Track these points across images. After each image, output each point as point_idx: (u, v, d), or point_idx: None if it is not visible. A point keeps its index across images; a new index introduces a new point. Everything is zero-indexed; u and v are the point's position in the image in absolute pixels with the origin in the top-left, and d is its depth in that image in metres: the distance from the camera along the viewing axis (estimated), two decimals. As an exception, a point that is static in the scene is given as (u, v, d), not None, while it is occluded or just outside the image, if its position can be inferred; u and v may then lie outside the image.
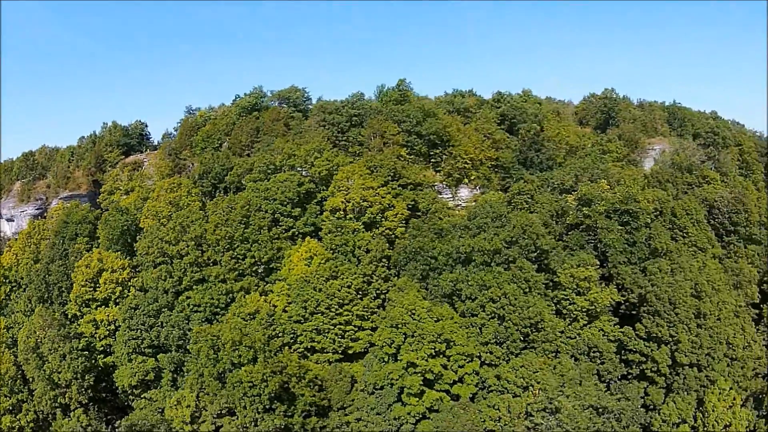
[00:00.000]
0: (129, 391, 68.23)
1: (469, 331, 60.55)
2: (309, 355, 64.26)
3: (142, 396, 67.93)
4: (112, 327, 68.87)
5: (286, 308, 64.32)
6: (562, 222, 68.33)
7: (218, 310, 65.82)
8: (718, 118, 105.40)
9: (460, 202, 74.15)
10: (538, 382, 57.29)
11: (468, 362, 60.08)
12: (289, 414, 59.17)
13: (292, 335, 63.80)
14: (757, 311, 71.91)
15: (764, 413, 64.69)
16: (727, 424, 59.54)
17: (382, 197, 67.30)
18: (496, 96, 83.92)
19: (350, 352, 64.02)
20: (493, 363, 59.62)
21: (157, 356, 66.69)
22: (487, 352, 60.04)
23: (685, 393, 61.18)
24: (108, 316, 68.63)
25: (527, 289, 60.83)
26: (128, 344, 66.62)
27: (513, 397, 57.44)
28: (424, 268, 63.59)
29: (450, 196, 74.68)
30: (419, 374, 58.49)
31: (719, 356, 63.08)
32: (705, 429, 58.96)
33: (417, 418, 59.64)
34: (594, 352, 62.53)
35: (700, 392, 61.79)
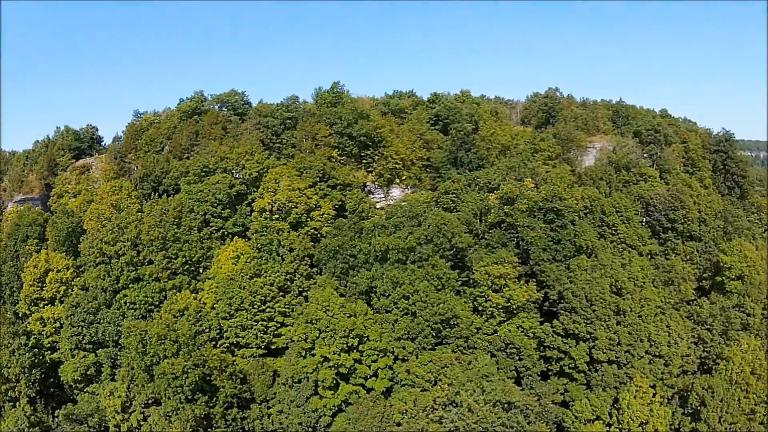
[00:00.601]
0: (73, 386, 75.90)
1: (383, 327, 65.91)
2: (236, 350, 70.69)
3: (85, 390, 75.54)
4: (58, 324, 76.69)
5: (214, 305, 70.88)
6: (484, 221, 73.01)
7: (152, 307, 72.80)
8: (667, 116, 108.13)
9: (391, 202, 79.44)
10: (447, 377, 62.24)
11: (381, 357, 65.38)
12: (211, 405, 65.58)
13: (218, 331, 70.33)
14: (697, 308, 74.81)
15: (689, 411, 67.68)
16: (644, 421, 62.86)
17: (309, 198, 73.25)
18: (432, 97, 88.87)
19: (273, 347, 70.16)
20: (405, 358, 64.78)
21: (97, 351, 74.15)
22: (400, 348, 65.25)
23: (601, 390, 64.93)
24: (53, 314, 76.49)
25: (440, 287, 65.76)
26: (71, 340, 74.25)
27: (421, 391, 62.45)
28: (344, 266, 69.16)
29: (382, 196, 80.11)
30: (333, 368, 64.19)
31: (639, 353, 66.61)
32: (620, 426, 62.48)
33: (333, 410, 65.31)
34: (511, 348, 67.01)
35: (620, 389, 65.45)
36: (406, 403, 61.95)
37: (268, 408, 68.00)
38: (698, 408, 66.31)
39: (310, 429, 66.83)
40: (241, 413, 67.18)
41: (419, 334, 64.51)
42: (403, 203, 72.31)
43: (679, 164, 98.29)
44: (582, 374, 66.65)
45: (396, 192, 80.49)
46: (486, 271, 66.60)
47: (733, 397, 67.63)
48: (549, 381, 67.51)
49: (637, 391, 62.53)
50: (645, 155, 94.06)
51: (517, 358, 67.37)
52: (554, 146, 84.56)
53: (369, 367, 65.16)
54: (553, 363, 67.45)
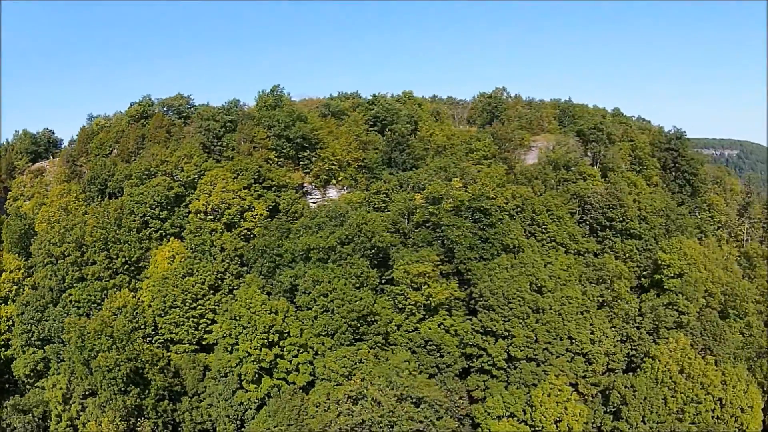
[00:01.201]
0: (25, 380, 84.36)
1: (304, 323, 72.12)
2: (170, 345, 77.89)
3: (35, 385, 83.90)
4: (11, 323, 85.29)
5: (151, 303, 78.20)
6: (411, 220, 78.50)
7: (95, 305, 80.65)
8: (619, 114, 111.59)
9: (328, 202, 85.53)
10: (361, 372, 68.02)
11: (302, 352, 71.74)
12: (143, 396, 72.93)
13: (153, 327, 77.63)
14: (626, 306, 78.63)
15: (611, 409, 71.73)
16: (557, 419, 67.22)
17: (243, 199, 79.97)
18: (372, 98, 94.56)
19: (204, 343, 77.09)
20: (323, 353, 70.86)
21: (45, 348, 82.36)
22: (319, 344, 71.41)
23: (515, 387, 69.62)
24: (6, 312, 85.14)
25: (358, 285, 71.60)
26: (22, 337, 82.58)
27: (336, 385, 68.38)
28: (270, 265, 75.65)
29: (319, 196, 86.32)
30: (254, 363, 70.76)
31: (559, 351, 71.10)
32: (533, 423, 66.97)
33: (258, 403, 72.04)
34: (431, 345, 72.37)
35: (536, 387, 70.00)
36: (320, 396, 68.09)
37: (199, 401, 74.97)
38: (620, 407, 70.44)
39: (237, 422, 73.76)
40: (172, 405, 74.25)
41: (337, 330, 70.43)
42: (326, 203, 78.45)
43: (626, 162, 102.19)
44: (502, 371, 71.58)
45: (333, 192, 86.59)
46: (405, 270, 72.02)
47: (658, 396, 71.46)
48: (469, 378, 72.74)
49: (551, 389, 66.93)
50: (589, 154, 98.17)
51: (438, 355, 72.76)
52: (490, 146, 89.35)
53: (290, 362, 71.65)
54: (475, 360, 72.56)
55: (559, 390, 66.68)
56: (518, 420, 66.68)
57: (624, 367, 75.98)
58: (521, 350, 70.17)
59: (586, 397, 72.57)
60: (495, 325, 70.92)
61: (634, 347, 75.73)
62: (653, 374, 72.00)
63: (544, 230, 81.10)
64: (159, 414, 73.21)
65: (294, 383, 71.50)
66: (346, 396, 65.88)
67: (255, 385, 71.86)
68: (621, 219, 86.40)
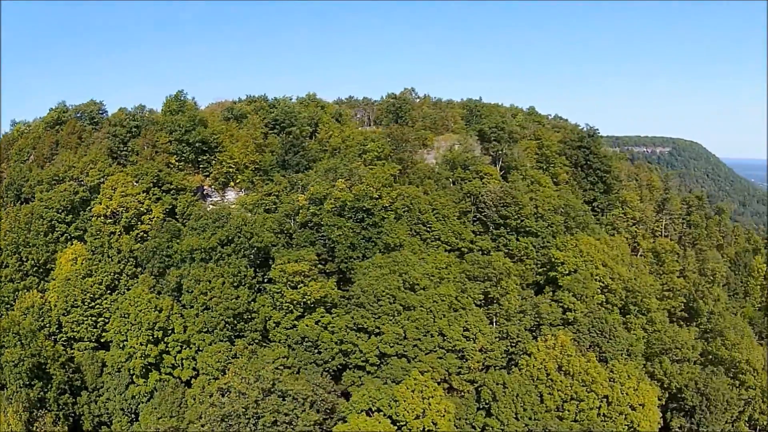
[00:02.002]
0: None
1: (188, 320, 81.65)
2: (73, 343, 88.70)
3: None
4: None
5: (56, 303, 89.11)
6: (295, 221, 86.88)
7: (7, 305, 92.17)
8: (534, 113, 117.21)
9: (229, 204, 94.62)
10: (234, 366, 77.12)
11: (185, 348, 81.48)
12: (45, 390, 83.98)
13: (58, 326, 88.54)
14: (507, 303, 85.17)
15: (484, 405, 78.69)
16: (420, 414, 74.43)
17: (140, 203, 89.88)
18: (273, 101, 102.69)
19: (103, 340, 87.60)
20: (204, 349, 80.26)
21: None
22: (200, 340, 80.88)
23: (383, 383, 77.39)
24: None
25: (236, 284, 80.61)
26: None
27: (213, 379, 77.73)
28: (161, 266, 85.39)
29: (219, 198, 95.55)
30: (141, 358, 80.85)
31: (428, 347, 78.52)
32: (396, 418, 74.43)
33: (147, 396, 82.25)
34: (307, 341, 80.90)
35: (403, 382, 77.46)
36: (196, 389, 77.63)
37: (98, 396, 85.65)
38: (491, 403, 77.43)
39: (132, 414, 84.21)
40: (72, 399, 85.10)
41: (216, 327, 79.79)
42: (211, 206, 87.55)
43: (532, 161, 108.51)
44: (375, 367, 79.56)
45: (231, 195, 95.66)
46: (282, 269, 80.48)
47: (532, 393, 77.84)
48: (345, 373, 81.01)
49: (416, 384, 74.37)
50: (493, 153, 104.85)
51: (316, 351, 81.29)
52: (383, 146, 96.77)
53: (174, 357, 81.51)
54: (351, 356, 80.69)
55: (424, 385, 74.01)
56: (384, 414, 74.39)
57: (504, 364, 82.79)
58: (391, 347, 77.94)
59: (463, 393, 79.89)
60: (366, 322, 78.90)
61: (513, 344, 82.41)
62: (528, 371, 78.61)
63: (428, 229, 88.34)
64: (60, 407, 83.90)
65: (179, 377, 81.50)
66: (218, 389, 75.22)
67: (144, 380, 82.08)
68: (516, 217, 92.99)
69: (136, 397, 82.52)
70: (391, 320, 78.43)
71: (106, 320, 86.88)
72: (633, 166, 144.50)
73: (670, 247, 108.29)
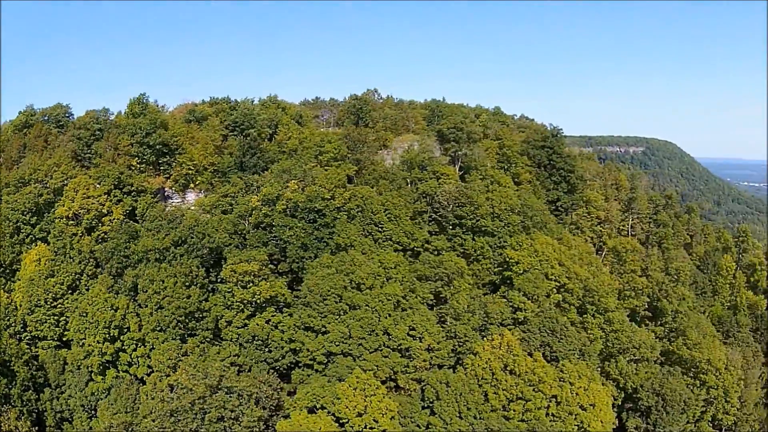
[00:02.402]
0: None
1: (143, 319, 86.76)
2: (37, 341, 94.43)
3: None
4: None
5: (21, 303, 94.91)
6: (249, 221, 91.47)
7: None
8: (500, 113, 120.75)
9: (189, 206, 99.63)
10: (185, 363, 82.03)
11: (140, 346, 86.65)
12: (10, 387, 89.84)
13: (23, 325, 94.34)
14: (455, 303, 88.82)
15: (428, 404, 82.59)
16: (361, 412, 78.30)
17: (102, 204, 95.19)
18: (233, 103, 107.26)
19: (65, 338, 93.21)
20: (156, 347, 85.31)
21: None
22: (154, 338, 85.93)
23: (327, 380, 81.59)
24: None
25: (188, 283, 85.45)
26: None
27: (165, 376, 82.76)
28: (119, 266, 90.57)
29: (179, 200, 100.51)
30: (99, 356, 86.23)
31: (373, 346, 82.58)
32: (338, 415, 78.51)
33: (106, 393, 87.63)
34: (257, 340, 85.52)
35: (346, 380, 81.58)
36: (149, 386, 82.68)
37: (60, 392, 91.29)
38: (434, 402, 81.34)
39: (91, 411, 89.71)
40: (35, 395, 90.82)
41: (168, 325, 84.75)
42: (167, 208, 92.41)
43: (493, 161, 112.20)
44: (322, 365, 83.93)
45: (191, 196, 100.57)
46: (232, 269, 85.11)
47: (475, 392, 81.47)
48: (294, 372, 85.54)
49: (357, 382, 78.51)
50: (452, 153, 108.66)
51: (267, 350, 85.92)
52: (339, 148, 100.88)
53: (130, 355, 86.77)
54: (299, 354, 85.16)
55: (366, 384, 78.11)
56: (327, 412, 78.64)
57: (452, 363, 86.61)
58: (336, 345, 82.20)
59: (409, 391, 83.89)
60: (313, 321, 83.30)
61: (461, 344, 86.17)
62: (473, 370, 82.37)
63: (380, 229, 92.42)
64: (24, 403, 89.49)
65: (135, 375, 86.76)
66: (168, 385, 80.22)
67: (102, 377, 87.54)
68: (471, 217, 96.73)
69: (95, 393, 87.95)
70: (336, 319, 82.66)
71: (68, 319, 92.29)
72: (601, 166, 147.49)
73: (631, 246, 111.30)
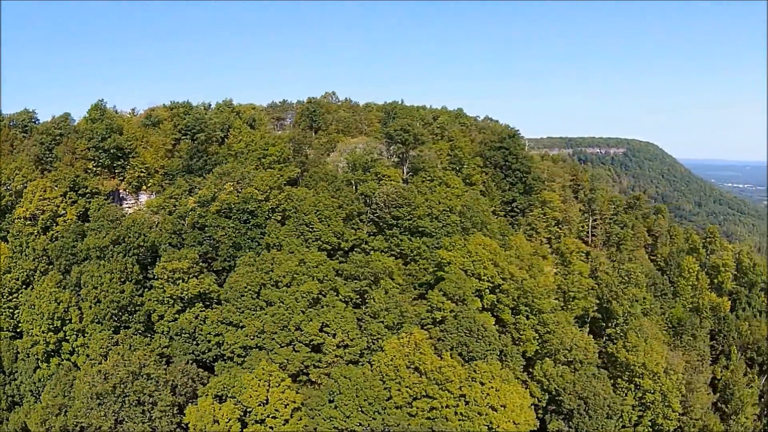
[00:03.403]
0: None
1: (83, 312, 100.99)
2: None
3: None
4: None
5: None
6: (187, 222, 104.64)
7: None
8: (462, 115, 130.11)
9: (141, 207, 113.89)
10: (114, 352, 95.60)
11: (80, 336, 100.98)
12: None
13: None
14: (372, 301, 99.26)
15: (331, 397, 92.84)
16: (263, 401, 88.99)
17: (57, 206, 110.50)
18: (186, 108, 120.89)
19: (18, 329, 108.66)
20: (93, 337, 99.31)
21: None
22: (93, 329, 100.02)
23: (237, 371, 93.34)
24: None
25: (123, 279, 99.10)
26: None
27: (97, 363, 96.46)
28: (67, 263, 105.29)
29: (133, 201, 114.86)
30: (43, 345, 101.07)
31: (284, 341, 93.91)
32: (244, 405, 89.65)
33: (49, 379, 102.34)
34: (185, 333, 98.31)
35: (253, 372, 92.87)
36: (83, 372, 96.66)
37: (13, 379, 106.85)
38: (337, 395, 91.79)
39: (38, 395, 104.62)
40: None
41: (104, 317, 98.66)
42: (110, 208, 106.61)
43: (445, 162, 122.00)
44: (241, 358, 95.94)
45: (144, 197, 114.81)
46: (163, 267, 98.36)
47: (375, 388, 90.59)
48: (217, 364, 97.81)
49: (263, 374, 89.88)
50: (399, 155, 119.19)
51: (194, 342, 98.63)
52: (283, 150, 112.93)
53: (71, 344, 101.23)
54: (222, 348, 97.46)
55: (270, 375, 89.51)
56: (235, 401, 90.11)
57: (367, 360, 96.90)
58: (252, 339, 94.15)
59: (320, 385, 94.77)
60: (232, 317, 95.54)
61: (373, 341, 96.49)
62: (378, 367, 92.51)
63: (311, 230, 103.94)
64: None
65: (74, 362, 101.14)
66: (97, 372, 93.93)
67: (47, 364, 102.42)
68: (408, 218, 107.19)
69: (42, 379, 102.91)
70: (252, 315, 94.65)
71: (21, 312, 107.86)
72: (566, 166, 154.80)
73: (575, 247, 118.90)
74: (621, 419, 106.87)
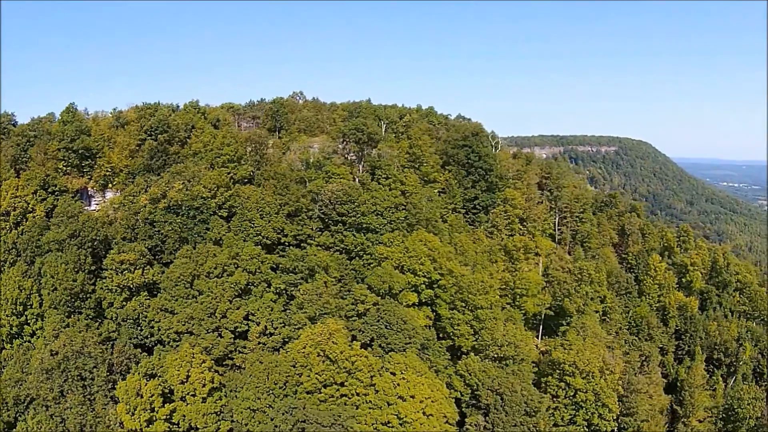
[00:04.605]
0: None
1: (44, 298, 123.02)
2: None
3: None
4: None
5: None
6: (139, 217, 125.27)
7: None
8: (432, 113, 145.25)
9: (107, 204, 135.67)
10: (63, 334, 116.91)
11: (39, 320, 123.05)
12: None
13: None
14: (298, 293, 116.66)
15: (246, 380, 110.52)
16: (183, 379, 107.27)
17: (27, 203, 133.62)
18: (151, 109, 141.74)
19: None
20: (50, 320, 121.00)
21: None
22: (49, 315, 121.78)
23: (165, 353, 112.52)
24: None
25: (77, 269, 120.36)
26: None
27: (49, 343, 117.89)
28: (32, 255, 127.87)
29: (100, 199, 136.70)
30: (7, 327, 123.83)
31: (209, 327, 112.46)
32: (165, 380, 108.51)
33: (13, 359, 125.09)
34: (129, 319, 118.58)
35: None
36: (38, 351, 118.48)
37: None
38: (249, 378, 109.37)
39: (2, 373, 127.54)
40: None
41: (59, 304, 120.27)
42: (70, 205, 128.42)
43: (403, 160, 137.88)
44: (176, 342, 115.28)
45: (109, 195, 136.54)
46: (112, 258, 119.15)
47: (284, 373, 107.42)
48: (156, 347, 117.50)
49: (184, 355, 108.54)
50: (357, 153, 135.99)
51: (138, 327, 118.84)
52: (238, 149, 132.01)
53: (32, 327, 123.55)
54: (159, 333, 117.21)
55: (192, 357, 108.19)
56: (161, 379, 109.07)
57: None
58: (183, 325, 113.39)
59: (242, 369, 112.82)
60: (167, 304, 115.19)
61: (295, 330, 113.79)
62: (291, 354, 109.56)
63: (252, 225, 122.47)
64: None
65: (34, 344, 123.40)
66: (48, 351, 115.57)
67: (10, 345, 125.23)
68: (352, 214, 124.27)
69: (6, 359, 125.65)
70: (185, 302, 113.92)
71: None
72: (539, 164, 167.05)
73: (522, 245, 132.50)
74: (552, 417, 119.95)
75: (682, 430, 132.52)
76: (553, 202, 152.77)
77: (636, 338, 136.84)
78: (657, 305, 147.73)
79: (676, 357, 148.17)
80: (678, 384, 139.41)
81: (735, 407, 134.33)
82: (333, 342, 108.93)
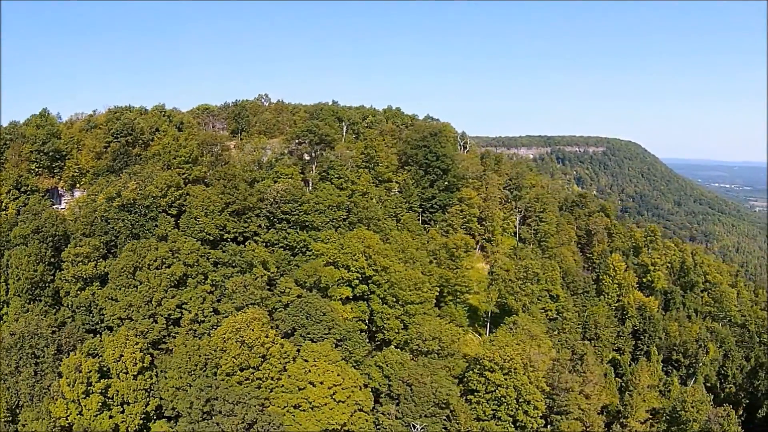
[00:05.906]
0: None
1: (10, 287, 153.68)
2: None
3: None
4: None
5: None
6: (98, 216, 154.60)
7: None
8: (400, 114, 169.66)
9: (74, 203, 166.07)
10: (22, 318, 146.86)
11: (5, 307, 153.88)
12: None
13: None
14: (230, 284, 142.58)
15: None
16: (117, 359, 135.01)
17: (1, 202, 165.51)
18: (120, 112, 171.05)
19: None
20: (13, 307, 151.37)
21: None
22: (13, 301, 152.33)
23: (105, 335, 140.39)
24: None
25: (37, 261, 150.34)
26: None
27: (10, 325, 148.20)
28: (1, 249, 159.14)
29: (69, 197, 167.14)
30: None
31: (147, 314, 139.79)
32: (105, 359, 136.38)
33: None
34: (82, 307, 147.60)
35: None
36: (3, 335, 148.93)
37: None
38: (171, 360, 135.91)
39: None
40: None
41: (22, 292, 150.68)
42: (35, 204, 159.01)
43: (356, 160, 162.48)
44: (118, 327, 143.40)
45: (78, 194, 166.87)
46: (68, 251, 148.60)
47: (203, 356, 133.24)
48: (104, 332, 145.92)
49: (121, 337, 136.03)
50: (311, 154, 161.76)
51: (89, 314, 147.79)
52: (192, 151, 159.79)
53: (2, 310, 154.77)
54: (106, 319, 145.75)
55: (127, 339, 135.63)
56: (100, 359, 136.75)
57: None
58: (124, 311, 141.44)
59: (173, 353, 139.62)
60: (113, 293, 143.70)
61: (222, 318, 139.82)
62: (214, 339, 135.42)
63: (197, 222, 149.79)
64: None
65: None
66: (12, 333, 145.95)
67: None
68: (295, 213, 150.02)
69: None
70: (126, 291, 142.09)
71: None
72: (509, 163, 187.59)
73: (462, 243, 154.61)
74: (474, 411, 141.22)
75: (618, 430, 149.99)
76: (514, 202, 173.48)
77: (575, 337, 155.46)
78: (616, 305, 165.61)
79: (634, 357, 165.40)
80: (623, 384, 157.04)
81: (678, 410, 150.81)
82: (251, 329, 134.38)
